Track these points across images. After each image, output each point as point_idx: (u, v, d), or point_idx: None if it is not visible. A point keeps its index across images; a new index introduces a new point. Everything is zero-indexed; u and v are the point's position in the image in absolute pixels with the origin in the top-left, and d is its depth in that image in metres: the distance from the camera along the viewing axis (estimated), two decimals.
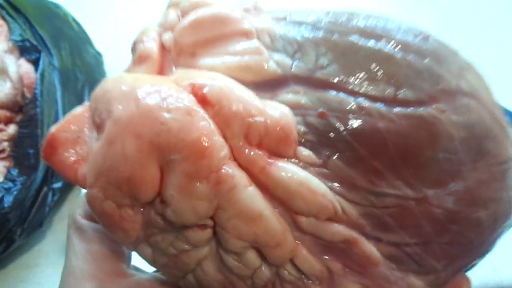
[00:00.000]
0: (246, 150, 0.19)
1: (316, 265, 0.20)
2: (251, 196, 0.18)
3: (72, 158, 0.21)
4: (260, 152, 0.19)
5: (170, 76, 0.21)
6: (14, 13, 0.48)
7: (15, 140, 0.43)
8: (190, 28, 0.21)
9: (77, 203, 0.24)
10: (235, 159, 0.19)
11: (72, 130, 0.21)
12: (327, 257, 0.20)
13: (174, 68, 0.22)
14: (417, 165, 0.19)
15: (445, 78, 0.20)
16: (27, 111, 0.43)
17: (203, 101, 0.19)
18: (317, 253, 0.20)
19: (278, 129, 0.19)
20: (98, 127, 0.20)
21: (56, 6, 0.57)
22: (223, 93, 0.19)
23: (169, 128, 0.18)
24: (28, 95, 0.44)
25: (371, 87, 0.19)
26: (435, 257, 0.20)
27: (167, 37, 0.22)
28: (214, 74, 0.20)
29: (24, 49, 0.46)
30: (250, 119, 0.19)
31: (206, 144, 0.18)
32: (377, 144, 0.19)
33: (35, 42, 0.46)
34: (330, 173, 0.19)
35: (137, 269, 0.24)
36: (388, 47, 0.20)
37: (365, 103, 0.19)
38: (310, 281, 0.20)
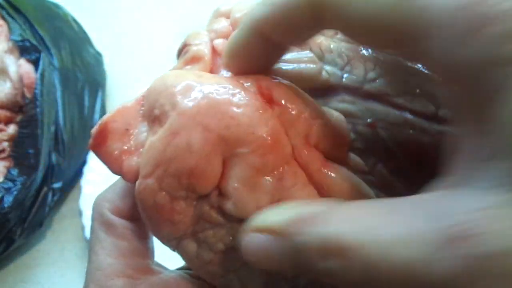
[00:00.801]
0: (306, 150, 0.19)
1: None
2: (309, 194, 0.19)
3: (119, 150, 0.21)
4: (317, 153, 0.19)
5: (231, 76, 0.21)
6: (14, 13, 0.48)
7: (15, 140, 0.43)
8: None
9: (103, 197, 0.24)
10: (295, 158, 0.19)
11: (122, 121, 0.21)
12: None
13: (224, 72, 0.22)
14: None
15: None
16: (27, 111, 0.44)
17: (269, 100, 0.19)
18: None
19: (335, 132, 0.20)
20: (156, 119, 0.20)
21: (56, 6, 0.57)
22: (288, 95, 0.20)
23: (239, 122, 0.18)
24: (28, 95, 0.44)
25: (415, 103, 0.20)
26: None
27: (219, 42, 0.23)
28: (278, 78, 0.20)
29: (24, 49, 0.46)
30: (312, 121, 0.19)
31: (273, 141, 0.19)
32: (419, 156, 0.20)
33: (35, 42, 0.46)
34: (376, 180, 0.20)
35: (160, 265, 0.24)
36: None
37: (410, 116, 0.20)
38: None
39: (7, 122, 0.44)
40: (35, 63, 0.45)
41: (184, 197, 0.19)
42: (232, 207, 0.19)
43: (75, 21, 0.59)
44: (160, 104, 0.20)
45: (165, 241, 0.21)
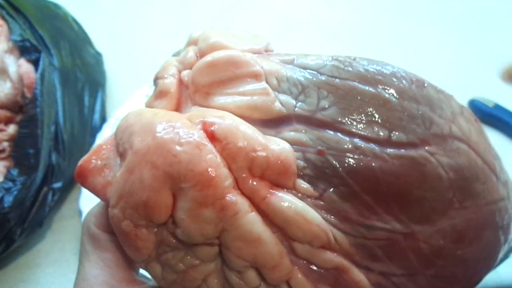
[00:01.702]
0: (250, 181, 0.21)
1: None
2: (252, 221, 0.20)
3: (101, 183, 0.23)
4: (262, 183, 0.21)
5: (185, 114, 0.23)
6: (14, 13, 0.48)
7: (15, 140, 0.43)
8: (206, 69, 0.23)
9: (90, 212, 0.26)
10: (239, 189, 0.21)
11: (100, 158, 0.24)
12: (320, 283, 0.21)
13: (190, 103, 0.24)
14: (406, 203, 0.21)
15: (437, 123, 0.22)
16: (27, 111, 0.43)
17: (212, 137, 0.21)
18: (311, 278, 0.21)
19: (279, 162, 0.21)
20: (121, 155, 0.22)
21: (56, 6, 0.57)
22: (230, 131, 0.21)
23: (180, 160, 0.20)
24: (28, 95, 0.44)
25: (366, 129, 0.21)
26: None
27: (185, 73, 0.25)
28: (223, 113, 0.22)
29: (24, 49, 0.46)
30: (254, 154, 0.20)
31: (212, 175, 0.20)
32: (369, 181, 0.21)
33: (35, 42, 0.46)
34: (325, 205, 0.21)
35: (145, 277, 0.25)
36: (384, 93, 0.22)
37: (361, 143, 0.21)
38: None
39: (7, 122, 0.44)
40: (35, 63, 0.45)
41: (145, 225, 0.21)
42: (182, 235, 0.21)
43: (75, 21, 0.59)
44: (122, 142, 0.22)
45: (136, 261, 0.23)
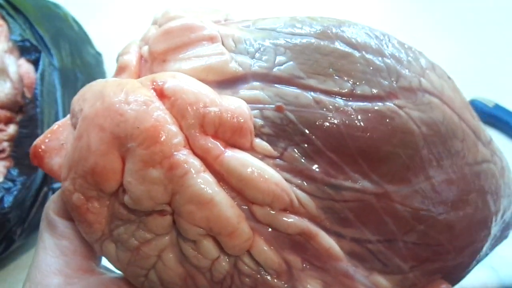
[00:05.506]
0: (201, 139, 0.19)
1: (274, 258, 0.19)
2: (204, 181, 0.19)
3: (58, 163, 0.22)
4: (215, 142, 0.19)
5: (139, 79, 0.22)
6: (14, 13, 0.48)
7: (15, 140, 0.43)
8: (162, 37, 0.23)
9: (51, 198, 0.24)
10: (191, 148, 0.19)
11: (57, 137, 0.22)
12: (286, 251, 0.19)
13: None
14: (376, 159, 0.19)
15: (404, 76, 0.20)
16: (27, 111, 0.43)
17: (161, 94, 0.20)
18: (275, 246, 0.19)
19: (233, 119, 0.19)
20: (74, 127, 0.21)
21: (56, 6, 0.57)
22: (179, 87, 0.20)
23: (127, 118, 0.19)
24: (28, 95, 0.44)
25: (327, 83, 0.20)
26: (401, 256, 0.20)
27: (145, 48, 0.24)
28: (174, 73, 0.21)
29: (24, 49, 0.46)
30: (204, 109, 0.19)
31: (159, 131, 0.19)
32: (333, 136, 0.19)
33: (35, 42, 0.46)
34: (287, 164, 0.19)
35: (107, 269, 0.23)
36: (345, 47, 0.20)
37: (322, 97, 0.19)
38: (268, 275, 0.19)
39: (7, 122, 0.44)
40: (35, 63, 0.45)
41: (96, 197, 0.20)
42: (129, 201, 0.19)
43: (75, 21, 0.59)
44: (75, 112, 0.21)
45: (92, 244, 0.21)
